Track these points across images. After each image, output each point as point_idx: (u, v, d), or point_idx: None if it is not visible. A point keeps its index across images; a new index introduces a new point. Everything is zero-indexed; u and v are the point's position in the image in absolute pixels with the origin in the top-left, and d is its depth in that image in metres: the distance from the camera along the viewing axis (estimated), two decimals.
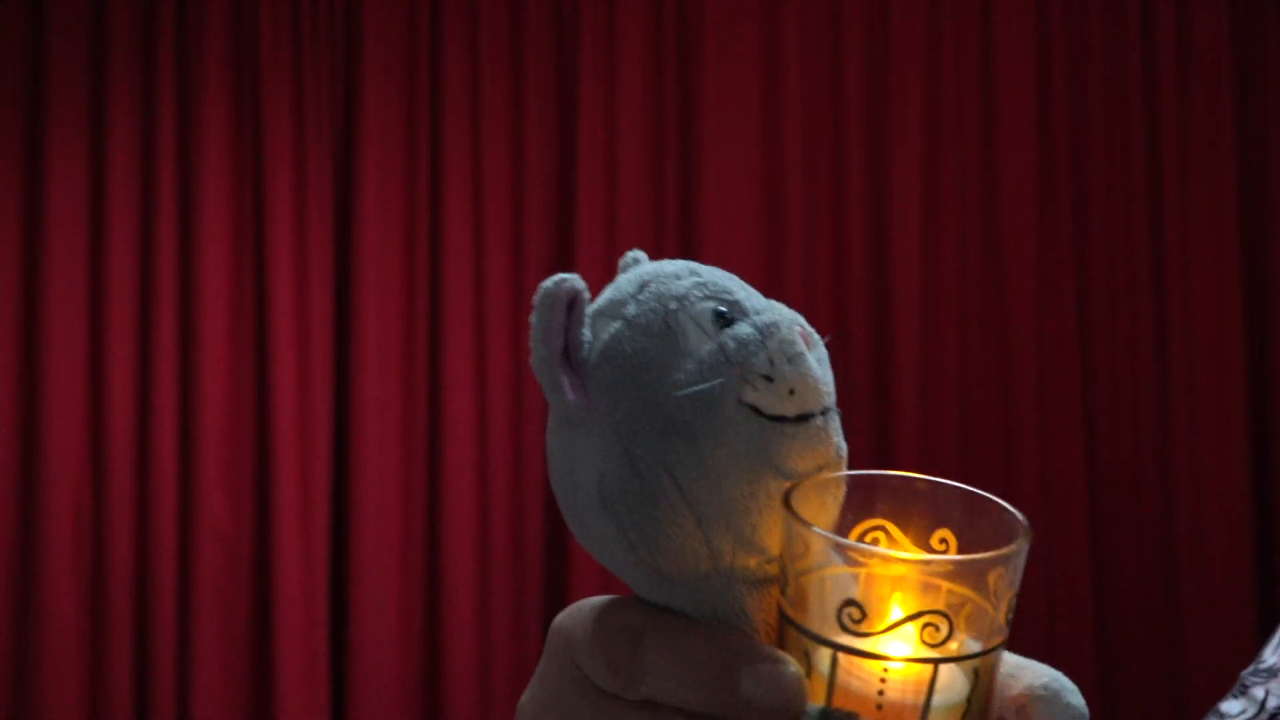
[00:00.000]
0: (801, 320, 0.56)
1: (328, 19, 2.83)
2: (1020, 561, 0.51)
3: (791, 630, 0.52)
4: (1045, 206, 2.87)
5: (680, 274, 0.61)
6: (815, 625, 0.51)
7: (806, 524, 0.51)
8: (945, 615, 0.50)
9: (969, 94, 2.87)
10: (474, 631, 2.76)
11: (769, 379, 0.54)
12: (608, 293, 0.61)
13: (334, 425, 2.79)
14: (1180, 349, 2.83)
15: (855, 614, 0.50)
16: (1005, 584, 0.51)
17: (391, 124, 2.82)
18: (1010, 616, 0.51)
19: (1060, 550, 2.77)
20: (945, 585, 0.51)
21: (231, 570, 2.74)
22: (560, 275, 0.61)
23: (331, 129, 2.84)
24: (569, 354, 0.58)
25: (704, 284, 0.60)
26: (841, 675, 0.50)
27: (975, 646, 0.50)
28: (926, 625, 0.50)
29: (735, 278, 0.61)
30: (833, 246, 2.85)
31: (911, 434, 2.78)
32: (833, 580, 0.52)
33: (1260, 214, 2.87)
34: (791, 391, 0.54)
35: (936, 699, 0.50)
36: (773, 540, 0.54)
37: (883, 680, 0.50)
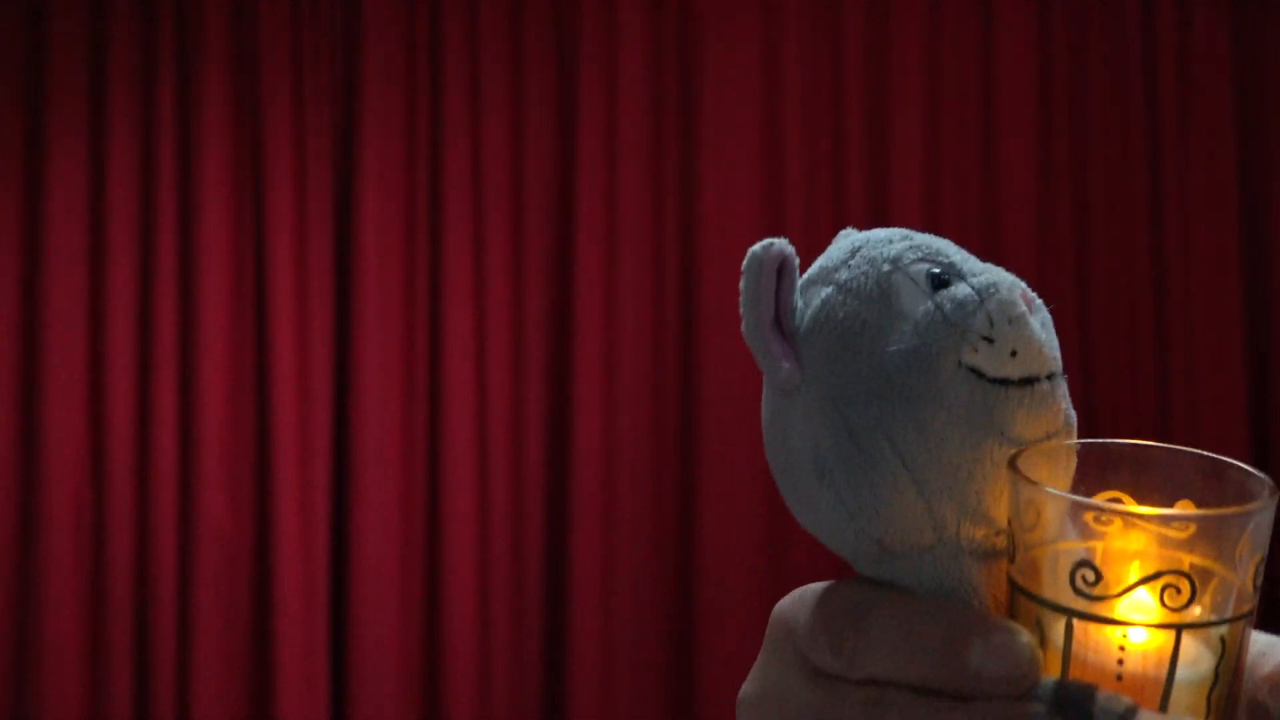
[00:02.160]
0: (1022, 284, 0.54)
1: (328, 19, 2.83)
2: (1267, 521, 0.49)
3: (1022, 600, 0.50)
4: (1045, 206, 2.87)
5: (893, 238, 0.58)
6: (1048, 592, 0.48)
7: (1037, 484, 0.49)
8: (1187, 576, 0.47)
9: (969, 94, 2.87)
10: (474, 631, 2.76)
11: (989, 340, 0.52)
12: (819, 261, 0.59)
13: (334, 425, 2.79)
14: (1180, 348, 2.83)
15: (1089, 576, 0.48)
16: (1251, 547, 0.48)
17: (391, 124, 2.82)
18: (1259, 583, 0.48)
19: None
20: (1186, 557, 0.48)
21: (231, 570, 2.74)
22: (769, 240, 0.59)
23: (332, 129, 2.84)
24: (780, 321, 0.57)
25: (917, 246, 0.58)
26: (1077, 646, 0.48)
27: (1221, 615, 0.47)
28: (1167, 587, 0.47)
29: (951, 242, 0.58)
30: None
31: None
32: (1066, 553, 0.49)
33: (1260, 214, 2.87)
34: (1014, 353, 0.52)
35: (1181, 671, 0.47)
36: (999, 510, 0.52)
37: (1121, 650, 0.47)
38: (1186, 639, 0.47)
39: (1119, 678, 0.47)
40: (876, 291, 0.56)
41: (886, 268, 0.57)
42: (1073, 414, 0.53)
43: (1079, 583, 0.48)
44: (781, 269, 0.58)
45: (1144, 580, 0.47)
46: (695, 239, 2.83)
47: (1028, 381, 0.51)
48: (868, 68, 2.87)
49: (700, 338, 2.81)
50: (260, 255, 2.78)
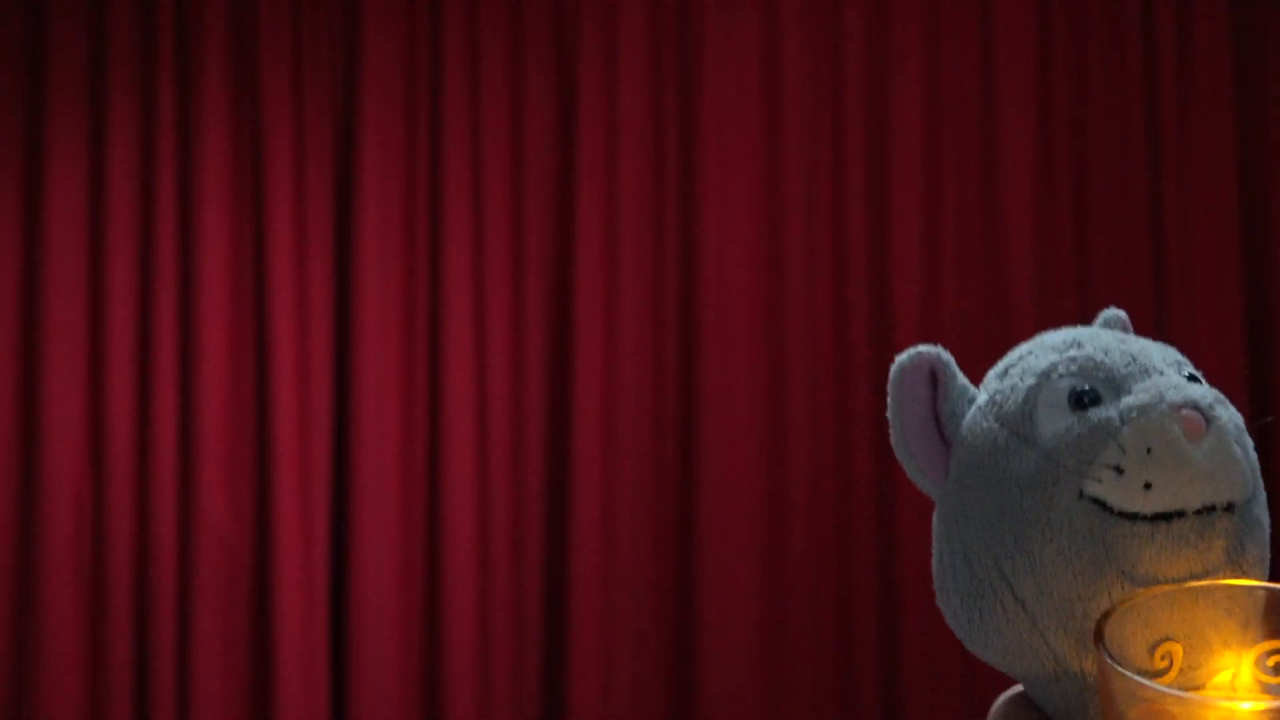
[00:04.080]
0: (1203, 401, 0.48)
1: (327, 19, 2.83)
2: None
3: None
4: (1045, 206, 2.86)
5: (1063, 345, 0.54)
6: None
7: (1102, 654, 0.43)
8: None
9: (969, 94, 2.87)
10: (474, 631, 2.75)
11: (1118, 470, 0.48)
12: (1006, 357, 0.55)
13: (334, 425, 2.79)
14: (1180, 348, 2.82)
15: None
16: None
17: (391, 124, 2.82)
18: None
19: None
20: None
21: (231, 570, 2.74)
22: (917, 349, 0.56)
23: (331, 129, 2.83)
24: (941, 428, 0.54)
25: (1076, 359, 0.53)
26: None
27: None
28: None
29: (1150, 346, 0.53)
30: (833, 246, 2.84)
31: None
32: None
33: (1260, 214, 2.87)
34: (1148, 485, 0.48)
35: None
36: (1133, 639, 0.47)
37: None
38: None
39: None
40: (1018, 409, 0.52)
41: (1033, 381, 0.53)
42: (1246, 549, 0.48)
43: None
44: (934, 376, 0.54)
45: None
46: (695, 239, 2.83)
47: (1164, 517, 0.48)
48: (868, 67, 2.86)
49: (700, 338, 2.81)
50: (260, 255, 2.78)
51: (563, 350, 2.82)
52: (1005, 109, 2.85)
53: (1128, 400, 0.49)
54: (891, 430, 0.54)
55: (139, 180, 2.78)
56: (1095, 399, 0.50)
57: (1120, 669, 0.44)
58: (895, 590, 2.74)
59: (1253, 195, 2.87)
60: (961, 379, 0.55)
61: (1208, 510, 0.47)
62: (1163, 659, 0.46)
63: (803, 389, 2.80)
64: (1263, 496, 0.51)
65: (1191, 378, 0.52)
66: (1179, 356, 0.53)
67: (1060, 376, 0.52)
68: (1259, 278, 2.87)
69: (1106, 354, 0.52)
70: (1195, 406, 0.48)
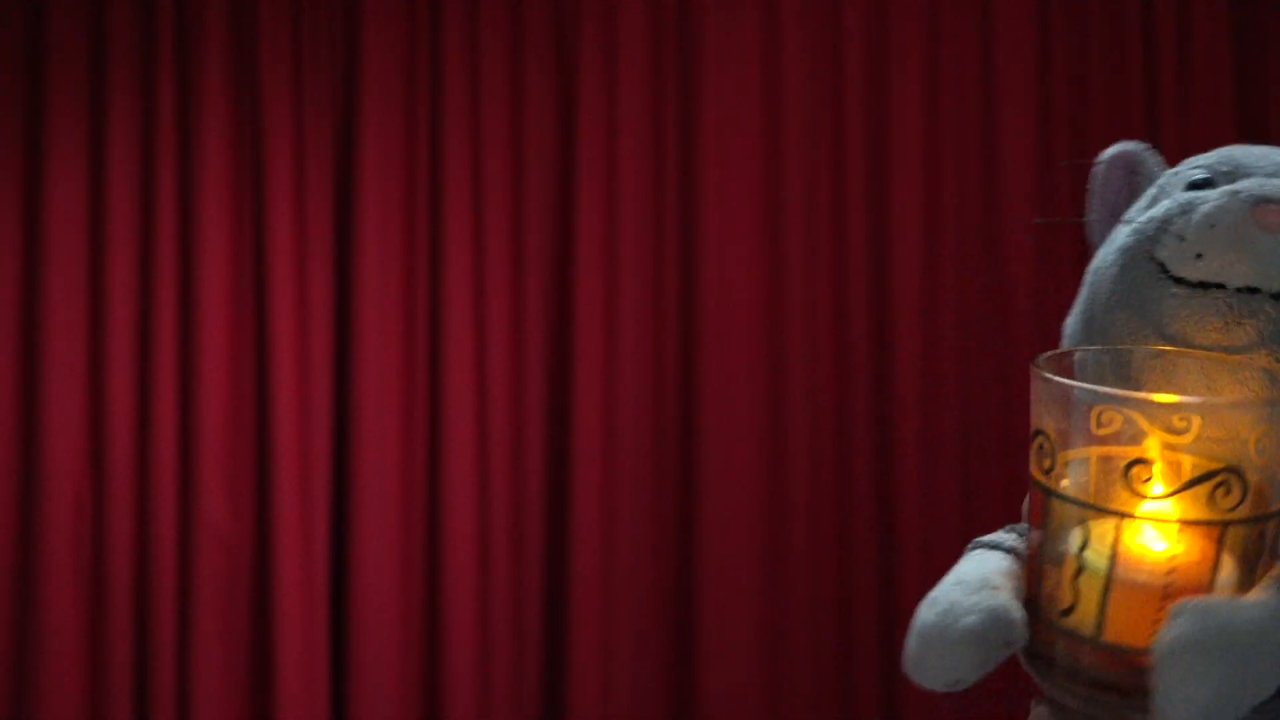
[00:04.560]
0: None
1: (327, 19, 2.83)
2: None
3: (1061, 508, 0.49)
4: (1045, 205, 2.86)
5: (1233, 151, 0.58)
6: (1099, 498, 0.48)
7: (1040, 372, 0.48)
8: (1236, 473, 0.46)
9: (969, 94, 2.87)
10: (474, 631, 2.75)
11: (1181, 238, 0.52)
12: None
13: (334, 425, 2.79)
14: None
15: (1144, 474, 0.47)
16: (1272, 442, 0.47)
17: (391, 124, 2.82)
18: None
19: None
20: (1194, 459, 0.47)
21: (231, 570, 2.74)
22: (1123, 145, 0.60)
23: (331, 129, 2.84)
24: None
25: (1223, 156, 0.58)
26: (1122, 549, 0.47)
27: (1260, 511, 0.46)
28: (1219, 485, 0.46)
29: None
30: (833, 246, 2.84)
31: (913, 433, 2.78)
32: (1116, 455, 0.48)
33: None
34: (1199, 256, 0.51)
35: (1223, 574, 0.46)
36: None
37: (1170, 558, 0.46)
38: (1232, 534, 0.46)
39: (1167, 587, 0.46)
40: (1152, 195, 0.57)
41: (1171, 171, 0.59)
42: (1266, 335, 0.50)
43: (1134, 484, 0.47)
44: (1131, 171, 0.61)
45: (1199, 479, 0.46)
46: (695, 238, 2.83)
47: (1206, 286, 0.51)
48: (868, 67, 2.86)
49: (700, 338, 2.81)
50: (260, 255, 2.78)
51: (563, 350, 2.82)
52: (1005, 109, 2.85)
53: (1226, 186, 0.52)
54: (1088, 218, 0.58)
55: (139, 180, 2.78)
56: (1206, 185, 0.54)
57: (1053, 377, 0.48)
58: (895, 590, 2.74)
59: None
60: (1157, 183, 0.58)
61: (1250, 290, 0.50)
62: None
63: (803, 389, 2.80)
64: None
65: None
66: None
67: (1192, 167, 0.59)
68: None
69: (1248, 155, 0.56)
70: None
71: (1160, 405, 0.48)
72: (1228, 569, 0.47)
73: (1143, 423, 0.48)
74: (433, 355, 2.81)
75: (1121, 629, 0.47)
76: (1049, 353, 0.52)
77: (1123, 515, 0.47)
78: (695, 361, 2.81)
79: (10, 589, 2.71)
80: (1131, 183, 0.60)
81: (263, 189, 2.78)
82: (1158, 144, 2.82)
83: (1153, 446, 0.48)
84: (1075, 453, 0.49)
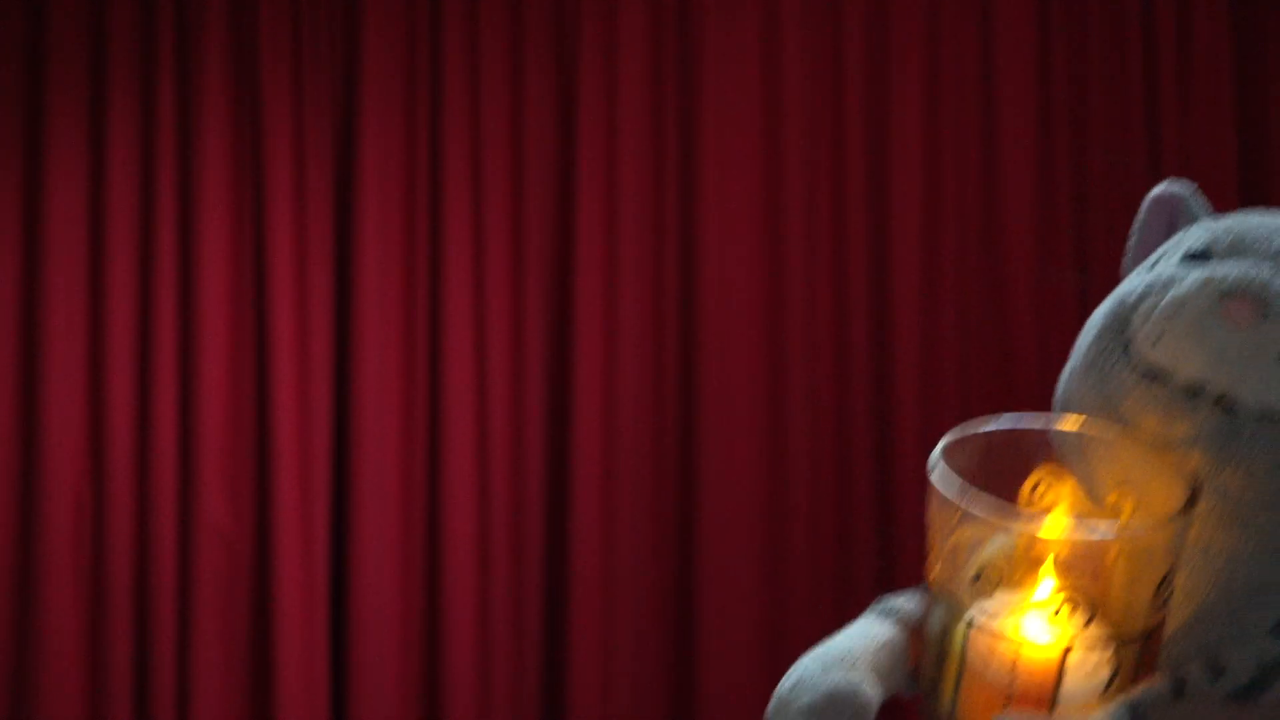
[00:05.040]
0: (1261, 288, 0.49)
1: (327, 19, 2.83)
2: (1163, 542, 0.46)
3: (933, 600, 0.50)
4: (1045, 206, 2.86)
5: (1245, 223, 0.56)
6: (955, 598, 0.48)
7: (933, 486, 0.47)
8: (1077, 601, 0.46)
9: (969, 94, 2.87)
10: (474, 631, 2.75)
11: (1149, 317, 0.51)
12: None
13: (334, 425, 2.79)
14: None
15: (986, 589, 0.47)
16: (1145, 567, 0.47)
17: (391, 124, 2.82)
18: (1162, 600, 0.47)
19: None
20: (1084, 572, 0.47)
21: (231, 570, 2.74)
22: (1168, 186, 0.59)
23: (331, 129, 2.83)
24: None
25: (1230, 228, 0.55)
26: (973, 655, 0.48)
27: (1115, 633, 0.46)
28: (1061, 609, 0.46)
29: None
30: (833, 246, 2.84)
31: (913, 433, 2.78)
32: (970, 561, 0.48)
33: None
34: (1159, 340, 0.50)
35: (1072, 685, 0.46)
36: (1101, 477, 0.51)
37: (1015, 661, 0.46)
38: (1079, 654, 0.46)
39: (1011, 689, 0.46)
40: (1155, 259, 0.56)
41: (1176, 237, 0.57)
42: (1224, 455, 0.48)
43: (976, 593, 0.47)
44: (1175, 213, 0.59)
45: (1036, 605, 0.47)
46: (695, 239, 2.83)
47: (1155, 373, 0.49)
48: (868, 67, 2.86)
49: (700, 338, 2.81)
50: (260, 255, 2.78)
51: (563, 350, 2.82)
52: (1005, 109, 2.85)
53: (1208, 268, 0.50)
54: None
55: (139, 180, 2.77)
56: (1204, 257, 0.52)
57: (943, 490, 0.48)
58: (895, 590, 2.73)
59: (1253, 195, 2.86)
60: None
61: (1194, 388, 0.48)
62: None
63: (803, 389, 2.80)
64: None
65: None
66: None
67: (1192, 236, 0.54)
68: None
69: (1257, 229, 0.52)
70: (1256, 297, 0.48)
71: (1015, 526, 0.48)
72: (1074, 683, 0.47)
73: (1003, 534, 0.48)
74: (433, 355, 2.81)
75: None
76: (968, 424, 0.51)
77: (970, 623, 0.47)
78: (695, 361, 2.81)
79: (10, 589, 2.71)
80: (1173, 228, 0.58)
81: (263, 189, 2.78)
82: (1158, 144, 2.83)
83: (1012, 556, 0.48)
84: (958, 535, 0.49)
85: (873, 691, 0.53)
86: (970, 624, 0.47)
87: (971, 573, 0.47)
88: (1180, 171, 3.01)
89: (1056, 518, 0.50)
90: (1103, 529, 0.49)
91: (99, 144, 2.77)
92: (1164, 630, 0.48)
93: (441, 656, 2.75)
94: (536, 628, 2.79)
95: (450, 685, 2.74)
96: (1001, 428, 0.52)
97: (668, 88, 2.86)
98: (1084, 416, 0.51)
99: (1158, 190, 0.57)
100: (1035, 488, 0.51)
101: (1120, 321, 0.51)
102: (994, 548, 0.48)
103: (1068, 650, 0.46)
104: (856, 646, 0.55)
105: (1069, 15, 2.87)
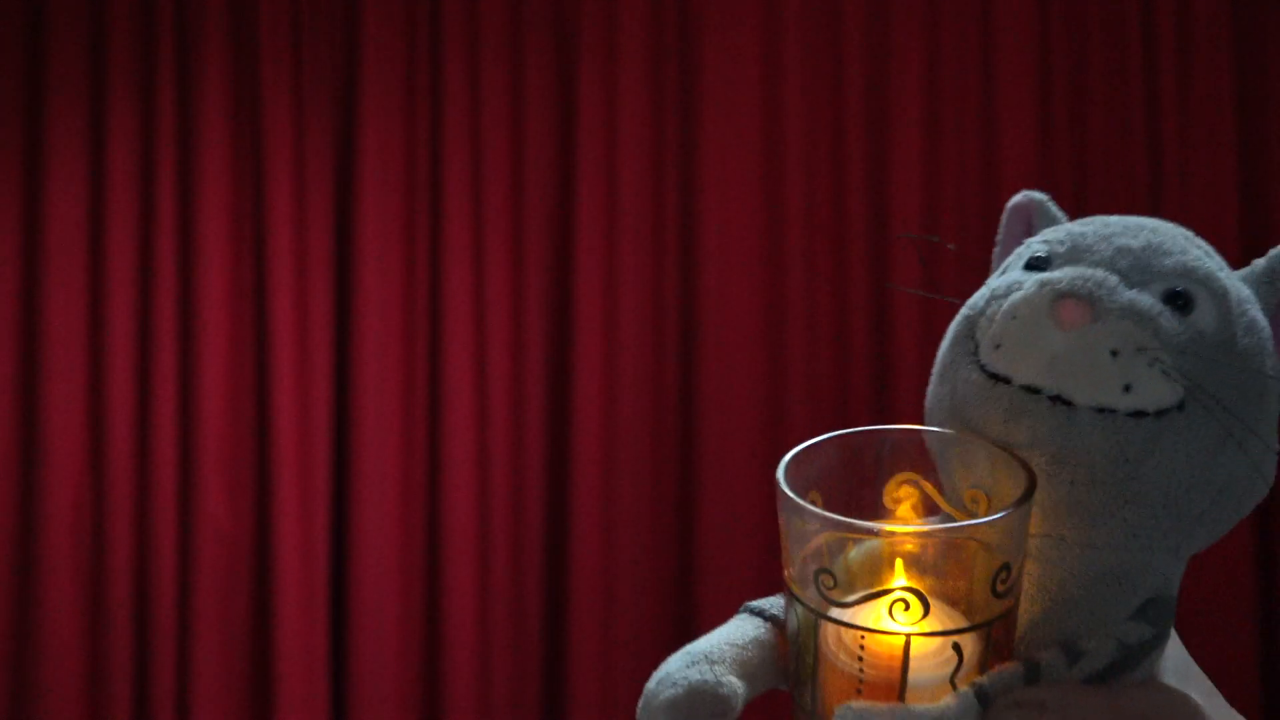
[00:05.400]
0: (1107, 301, 0.51)
1: (327, 23, 2.83)
2: (1005, 529, 0.49)
3: (790, 599, 0.51)
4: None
5: (1084, 229, 0.59)
6: (805, 596, 0.50)
7: (783, 489, 0.50)
8: (916, 593, 0.48)
9: (969, 93, 2.87)
10: (474, 631, 2.76)
11: (991, 322, 0.53)
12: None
13: (334, 425, 2.79)
14: None
15: (828, 582, 0.49)
16: (985, 557, 0.49)
17: (391, 124, 2.82)
18: (1004, 589, 0.49)
19: None
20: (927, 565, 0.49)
21: (231, 570, 2.74)
22: (1025, 194, 0.62)
23: (331, 129, 2.84)
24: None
25: (1071, 232, 0.57)
26: (825, 646, 0.50)
27: (957, 624, 0.49)
28: (895, 602, 0.48)
29: (1167, 248, 0.56)
30: (833, 245, 2.85)
31: None
32: (814, 559, 0.50)
33: (1261, 214, 2.87)
34: (999, 345, 0.52)
35: (918, 674, 0.48)
36: (959, 480, 0.53)
37: (861, 651, 0.48)
38: (922, 643, 0.48)
39: (860, 678, 0.48)
40: (1007, 262, 0.59)
41: (1029, 240, 0.60)
42: (1064, 452, 0.50)
43: (821, 588, 0.49)
44: (1033, 219, 0.63)
45: (870, 596, 0.48)
46: (695, 239, 2.83)
47: (997, 378, 0.51)
48: (868, 67, 2.87)
49: (701, 337, 2.81)
50: (260, 255, 2.78)
51: (563, 350, 2.82)
52: (1005, 109, 2.86)
53: (1048, 272, 0.53)
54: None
55: (139, 181, 2.78)
56: (1042, 265, 0.54)
57: (794, 497, 0.50)
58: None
59: (1253, 195, 2.87)
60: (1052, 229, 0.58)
61: (1031, 389, 0.50)
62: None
63: (803, 388, 2.80)
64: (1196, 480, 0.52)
65: (1176, 295, 0.52)
66: (1198, 270, 0.54)
67: (1037, 242, 0.57)
68: None
69: (1096, 233, 0.55)
70: (1085, 299, 0.50)
71: (861, 526, 0.50)
72: (921, 672, 0.48)
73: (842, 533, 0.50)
74: (433, 355, 2.81)
75: (829, 711, 0.50)
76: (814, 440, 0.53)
77: (818, 614, 0.49)
78: (695, 361, 2.81)
79: (10, 589, 2.71)
80: (1030, 234, 0.61)
81: (263, 189, 2.78)
82: (1158, 144, 2.82)
83: (863, 554, 0.50)
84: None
85: (735, 687, 0.54)
86: (819, 617, 0.49)
87: (821, 570, 0.49)
88: (1180, 171, 3.03)
89: (904, 517, 0.52)
90: (933, 524, 0.52)
91: (99, 144, 2.77)
92: (1014, 620, 0.50)
93: (441, 656, 2.75)
94: (536, 627, 2.79)
95: (450, 685, 2.74)
96: (859, 431, 0.54)
97: (668, 87, 2.86)
98: (941, 420, 0.54)
99: (1016, 198, 0.59)
100: (900, 489, 0.53)
101: (969, 327, 0.54)
102: (848, 547, 0.50)
103: (909, 639, 0.48)
104: (721, 644, 0.57)
105: (1069, 15, 2.87)
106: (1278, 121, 2.87)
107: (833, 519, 0.50)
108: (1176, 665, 0.56)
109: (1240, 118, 2.86)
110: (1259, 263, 0.60)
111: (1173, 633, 0.58)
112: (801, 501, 0.50)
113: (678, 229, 2.85)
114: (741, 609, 0.59)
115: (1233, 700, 0.66)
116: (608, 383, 2.80)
